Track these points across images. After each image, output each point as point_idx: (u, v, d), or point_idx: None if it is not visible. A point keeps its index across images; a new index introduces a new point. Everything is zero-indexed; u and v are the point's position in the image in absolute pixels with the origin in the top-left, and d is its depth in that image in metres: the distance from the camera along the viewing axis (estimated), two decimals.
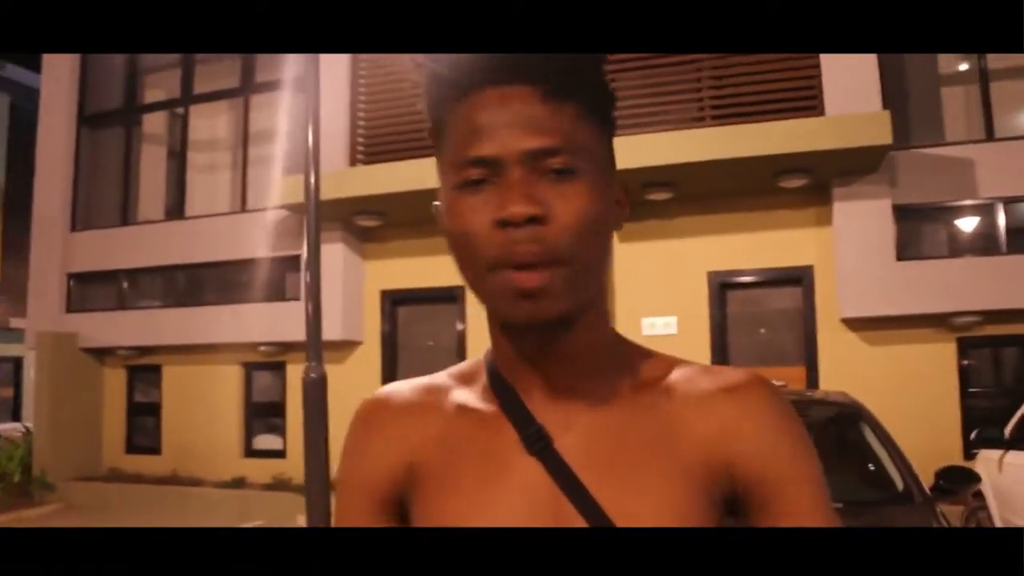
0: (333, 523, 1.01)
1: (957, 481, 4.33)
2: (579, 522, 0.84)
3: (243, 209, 11.82)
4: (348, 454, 0.99)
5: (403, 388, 1.00)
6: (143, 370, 12.42)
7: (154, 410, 12.24)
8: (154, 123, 13.40)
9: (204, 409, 11.64)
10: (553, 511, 0.86)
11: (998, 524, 6.10)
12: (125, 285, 12.45)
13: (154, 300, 12.46)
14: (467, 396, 0.96)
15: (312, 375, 5.52)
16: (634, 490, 0.85)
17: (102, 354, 12.53)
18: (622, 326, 9.88)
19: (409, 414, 0.97)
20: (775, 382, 0.95)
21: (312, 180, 5.83)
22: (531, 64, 0.83)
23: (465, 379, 0.98)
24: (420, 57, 0.91)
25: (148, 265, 12.20)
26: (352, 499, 0.97)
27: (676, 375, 0.92)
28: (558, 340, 0.88)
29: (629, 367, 0.93)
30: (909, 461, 4.37)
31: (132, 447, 12.45)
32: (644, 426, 0.89)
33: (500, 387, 0.93)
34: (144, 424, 12.40)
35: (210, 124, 12.85)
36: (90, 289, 12.67)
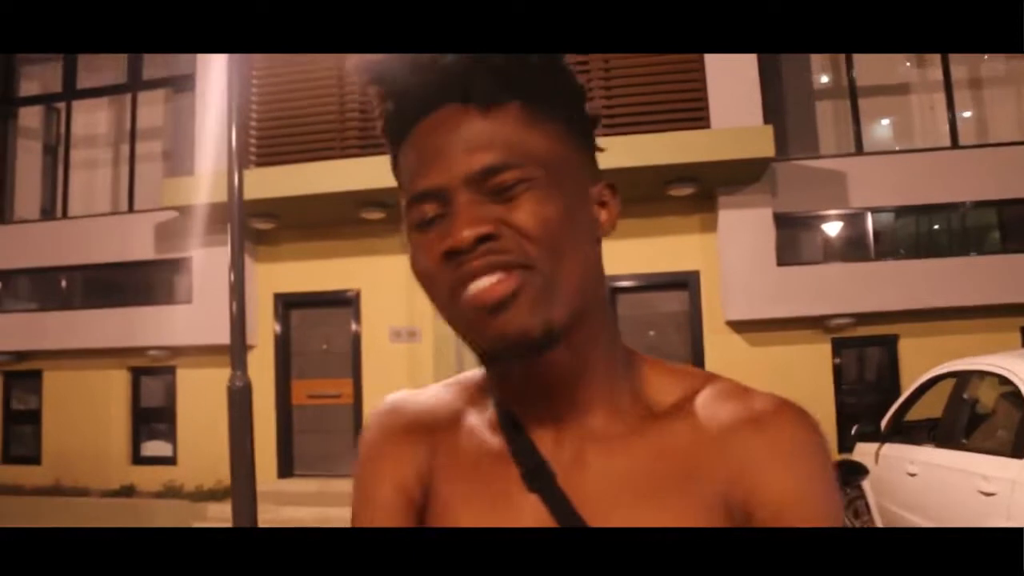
0: (359, 514, 0.94)
1: (850, 473, 4.67)
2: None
3: (129, 209, 11.44)
4: (368, 472, 0.92)
5: (414, 398, 0.94)
6: (21, 376, 11.88)
7: (34, 417, 11.73)
8: (30, 117, 12.80)
9: (89, 416, 11.24)
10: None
11: (874, 511, 6.54)
12: (0, 287, 11.88)
13: (32, 303, 11.94)
14: (475, 420, 0.88)
15: (238, 383, 5.47)
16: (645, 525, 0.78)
17: None
18: None
19: (426, 423, 0.91)
20: None
21: (236, 180, 5.77)
22: (463, 80, 0.77)
23: (474, 397, 0.90)
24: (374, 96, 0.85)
25: (26, 266, 11.67)
26: (370, 510, 0.90)
27: (698, 400, 0.82)
28: (547, 363, 0.79)
29: (643, 390, 0.84)
30: None
31: (8, 457, 11.90)
32: (658, 460, 0.80)
33: (505, 419, 0.85)
34: (22, 432, 11.87)
35: (91, 120, 12.36)
36: None
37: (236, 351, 5.53)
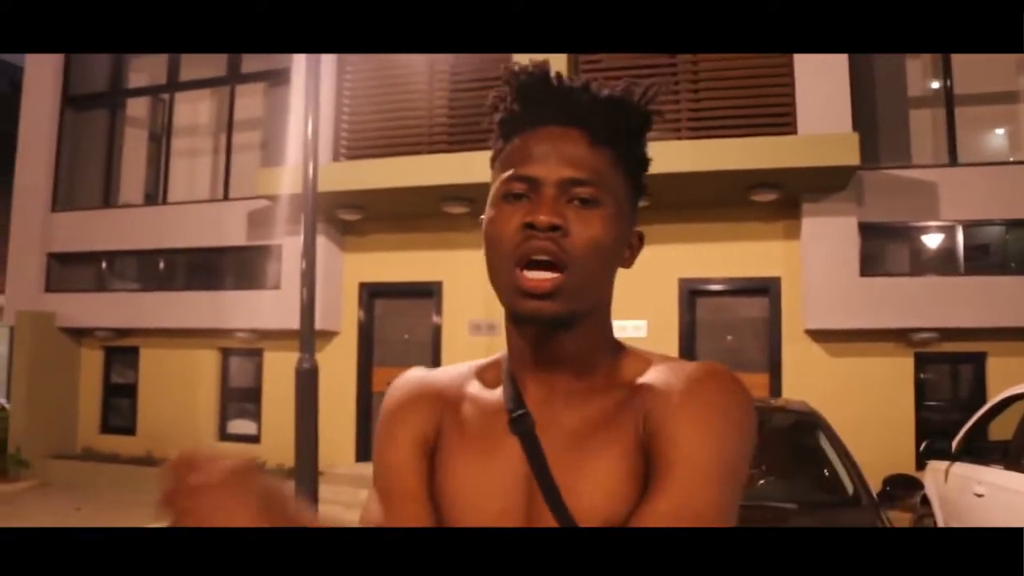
0: (381, 509, 1.10)
1: (902, 487, 4.65)
2: (539, 497, 0.99)
3: (225, 197, 11.92)
4: (388, 432, 1.11)
5: (435, 372, 1.17)
6: (121, 352, 12.52)
7: (130, 391, 12.35)
8: (138, 107, 13.44)
9: (180, 392, 11.78)
10: (526, 488, 1.01)
11: None
12: (104, 267, 12.54)
13: (134, 283, 12.58)
14: (480, 386, 1.11)
15: (305, 365, 5.70)
16: (589, 467, 0.98)
17: (80, 334, 12.62)
18: None
19: (439, 397, 1.11)
20: None
21: (310, 172, 6.00)
22: (584, 111, 1.02)
23: (482, 372, 1.14)
24: (501, 92, 1.08)
25: (128, 248, 12.28)
26: (399, 479, 1.08)
27: (650, 372, 1.04)
28: (556, 340, 1.03)
29: (617, 370, 1.06)
30: (860, 468, 4.64)
31: (107, 427, 12.57)
32: (608, 414, 1.01)
33: (508, 378, 1.09)
34: (120, 405, 12.51)
35: (193, 110, 12.91)
36: (69, 269, 12.74)
37: (305, 335, 5.75)
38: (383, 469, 1.10)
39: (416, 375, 1.17)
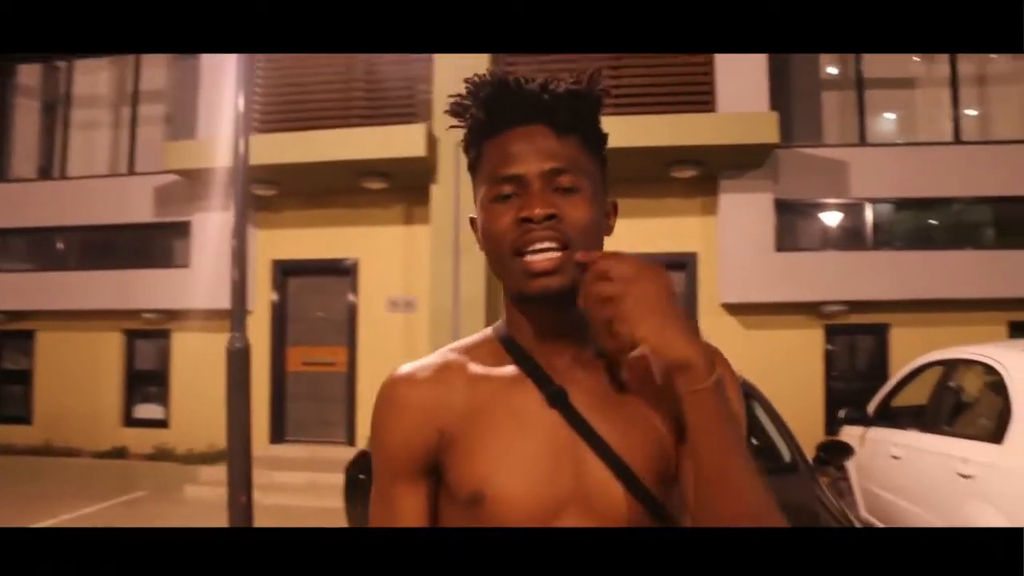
0: (374, 490, 1.18)
1: (835, 453, 4.79)
2: (593, 460, 1.08)
3: (129, 172, 11.40)
4: (381, 428, 1.16)
5: (421, 367, 1.18)
6: (13, 336, 11.85)
7: (24, 378, 11.71)
8: (28, 74, 12.70)
9: (81, 377, 11.24)
10: (572, 453, 1.09)
11: (857, 492, 6.67)
12: None
13: (28, 263, 11.90)
14: (484, 367, 1.16)
15: (237, 344, 5.49)
16: (630, 426, 1.10)
17: None
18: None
19: (433, 389, 1.15)
20: None
21: (241, 145, 5.76)
22: (546, 108, 1.11)
23: (474, 353, 1.19)
24: (464, 103, 1.17)
25: (22, 225, 11.62)
26: (396, 466, 1.15)
27: None
28: (563, 312, 1.12)
29: None
30: (794, 435, 4.76)
31: None
32: (632, 380, 1.13)
33: (519, 354, 1.16)
34: (13, 392, 11.85)
35: (92, 80, 12.26)
36: None
37: (236, 314, 5.55)
38: (390, 454, 1.15)
39: (406, 374, 1.18)
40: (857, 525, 4.11)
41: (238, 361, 5.58)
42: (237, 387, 5.58)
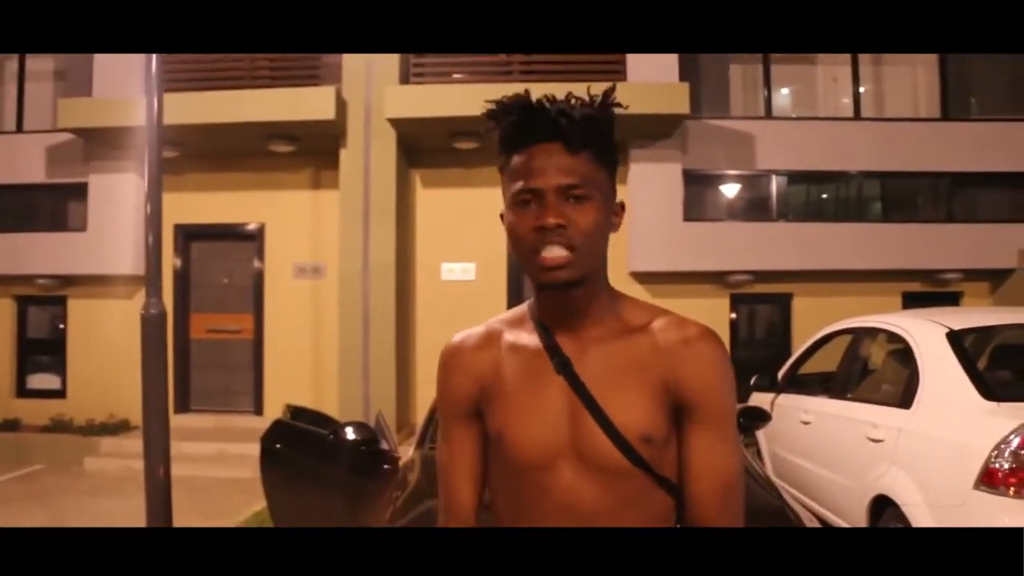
0: (440, 429, 1.55)
1: (753, 419, 4.97)
2: (587, 418, 1.34)
3: (18, 129, 10.80)
4: (441, 384, 1.53)
5: (470, 335, 1.52)
6: None
7: None
8: None
9: None
10: (571, 411, 1.36)
11: (766, 456, 6.89)
12: None
13: None
14: (516, 337, 1.47)
15: (152, 310, 5.23)
16: (624, 397, 1.35)
17: None
18: (422, 272, 9.99)
19: (477, 353, 1.49)
20: None
21: (155, 104, 5.49)
22: (564, 128, 1.33)
23: (513, 324, 1.50)
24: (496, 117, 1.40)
25: None
26: (452, 411, 1.51)
27: (655, 323, 1.41)
28: (572, 297, 1.38)
29: (623, 316, 1.43)
30: None
31: None
32: (632, 357, 1.38)
33: (541, 330, 1.44)
34: None
35: None
36: None
37: (151, 278, 5.32)
38: (448, 402, 1.52)
39: (458, 341, 1.52)
40: (780, 487, 4.23)
41: (154, 328, 5.34)
42: (153, 355, 5.33)
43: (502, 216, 1.41)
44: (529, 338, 1.44)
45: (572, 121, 1.34)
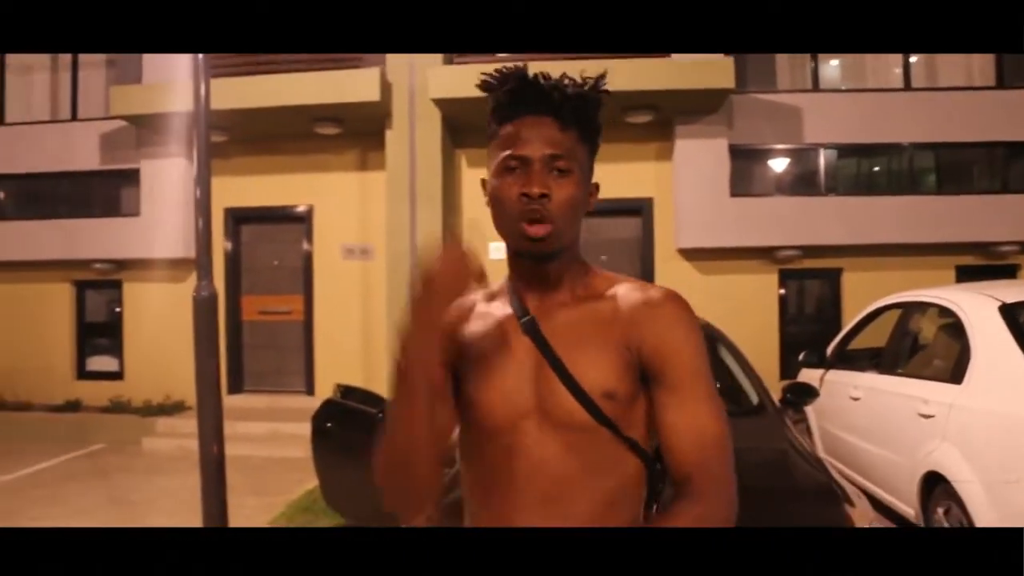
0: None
1: (801, 395, 4.90)
2: (552, 377, 1.37)
3: (73, 117, 11.06)
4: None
5: (465, 297, 1.49)
6: None
7: None
8: None
9: (31, 330, 11.02)
10: (536, 370, 1.39)
11: (815, 432, 6.84)
12: None
13: None
14: (489, 304, 1.51)
15: (204, 293, 5.36)
16: (587, 355, 1.38)
17: None
18: None
19: (457, 316, 1.49)
20: None
21: (202, 90, 5.60)
22: (555, 102, 1.38)
23: (490, 294, 1.53)
24: (492, 84, 1.44)
25: None
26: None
27: (619, 288, 1.46)
28: (546, 266, 1.44)
29: (591, 284, 1.48)
30: (761, 378, 4.82)
31: None
32: (595, 319, 1.42)
33: (513, 295, 1.49)
34: None
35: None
36: None
37: (202, 262, 5.44)
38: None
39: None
40: (827, 463, 4.20)
41: (205, 310, 5.46)
42: (205, 336, 5.46)
43: (483, 183, 1.46)
44: (501, 305, 1.50)
45: (564, 96, 1.39)
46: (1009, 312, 4.47)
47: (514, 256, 1.47)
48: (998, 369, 4.28)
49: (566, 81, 1.41)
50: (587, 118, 1.42)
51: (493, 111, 1.45)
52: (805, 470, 3.69)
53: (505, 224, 1.40)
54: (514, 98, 1.41)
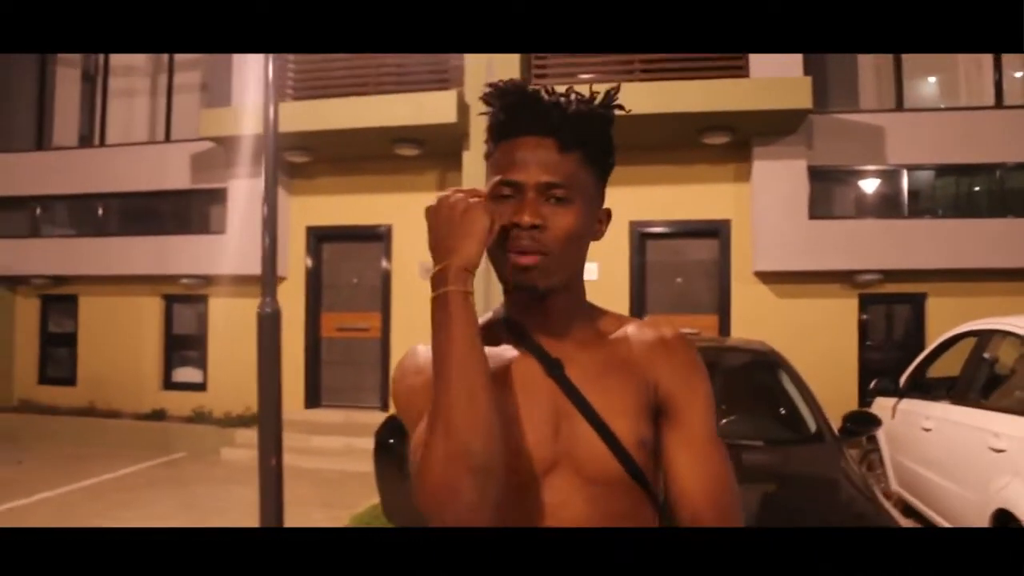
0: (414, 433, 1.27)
1: (861, 424, 4.74)
2: (583, 424, 1.25)
3: (166, 139, 11.56)
4: (404, 394, 1.32)
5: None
6: (58, 300, 12.14)
7: (69, 341, 12.00)
8: None
9: (122, 341, 11.51)
10: (560, 418, 1.26)
11: (888, 463, 6.63)
12: (39, 212, 12.09)
13: (70, 228, 12.16)
14: (490, 342, 1.28)
15: (267, 309, 5.61)
16: (617, 400, 1.27)
17: (14, 282, 12.19)
18: None
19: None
20: (688, 330, 1.43)
21: (271, 112, 5.85)
22: (555, 122, 1.25)
23: (482, 328, 1.28)
24: (490, 101, 1.32)
25: (64, 192, 11.84)
26: (419, 418, 1.23)
27: (629, 328, 1.37)
28: (544, 303, 1.31)
29: (597, 323, 1.38)
30: (820, 405, 4.72)
31: (45, 378, 12.21)
32: (617, 361, 1.32)
33: (520, 333, 1.34)
34: (58, 355, 12.16)
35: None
36: (1, 215, 12.25)
37: (267, 280, 5.66)
38: (413, 411, 1.27)
39: (423, 348, 1.32)
40: (879, 496, 4.09)
41: (269, 326, 5.69)
42: (268, 352, 5.69)
43: None
44: (504, 344, 1.33)
45: (564, 116, 1.25)
46: None
47: (513, 292, 1.34)
48: None
49: (572, 96, 1.28)
50: (593, 139, 1.28)
51: (489, 129, 1.32)
52: (850, 500, 3.60)
53: (494, 256, 1.28)
54: (510, 115, 1.28)
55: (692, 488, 1.23)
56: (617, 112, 1.32)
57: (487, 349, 1.20)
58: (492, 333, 1.33)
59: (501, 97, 1.29)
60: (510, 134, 1.28)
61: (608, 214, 1.37)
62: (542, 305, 1.31)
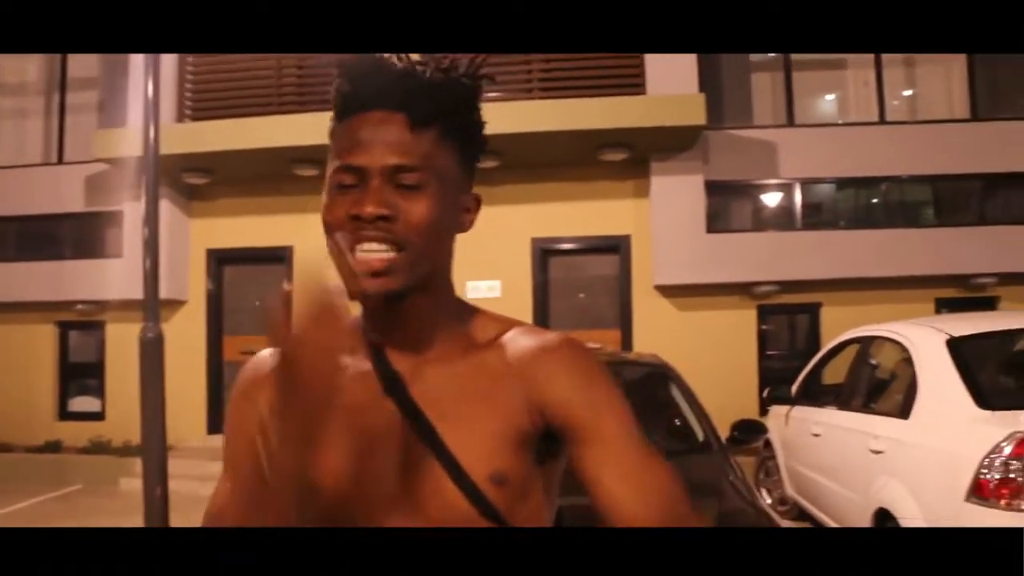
0: (223, 460, 1.14)
1: (748, 432, 4.86)
2: (423, 455, 1.03)
3: (59, 161, 11.19)
4: (229, 413, 1.16)
5: (271, 352, 1.07)
6: None
7: None
8: None
9: (13, 371, 11.02)
10: (402, 447, 1.05)
11: (783, 470, 6.79)
12: None
13: None
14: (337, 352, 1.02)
15: (149, 334, 5.42)
16: (470, 428, 1.04)
17: None
18: None
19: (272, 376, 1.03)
20: (591, 345, 1.18)
21: (151, 133, 5.71)
22: (404, 94, 1.03)
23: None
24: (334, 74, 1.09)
25: None
26: (234, 449, 1.12)
27: (507, 336, 1.12)
28: (401, 310, 1.07)
29: (469, 328, 1.14)
30: (709, 416, 4.81)
31: None
32: (481, 376, 1.08)
33: (371, 347, 1.11)
34: None
35: (19, 67, 11.98)
36: None
37: (149, 304, 5.52)
38: (233, 437, 1.13)
39: (260, 356, 1.16)
40: (760, 501, 4.19)
41: (151, 351, 5.53)
42: (151, 378, 5.52)
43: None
44: (352, 358, 1.06)
45: (417, 86, 1.04)
46: (956, 346, 4.44)
47: (361, 299, 1.07)
48: (942, 404, 4.25)
49: (429, 63, 1.06)
50: (452, 113, 1.06)
51: (334, 105, 1.08)
52: (734, 505, 3.69)
53: (338, 259, 1.02)
54: (355, 84, 1.06)
55: (631, 512, 0.99)
56: (483, 89, 1.11)
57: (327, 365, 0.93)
58: (343, 343, 1.01)
59: (348, 67, 1.08)
60: (357, 108, 1.05)
61: (478, 201, 1.13)
62: (396, 309, 1.07)
